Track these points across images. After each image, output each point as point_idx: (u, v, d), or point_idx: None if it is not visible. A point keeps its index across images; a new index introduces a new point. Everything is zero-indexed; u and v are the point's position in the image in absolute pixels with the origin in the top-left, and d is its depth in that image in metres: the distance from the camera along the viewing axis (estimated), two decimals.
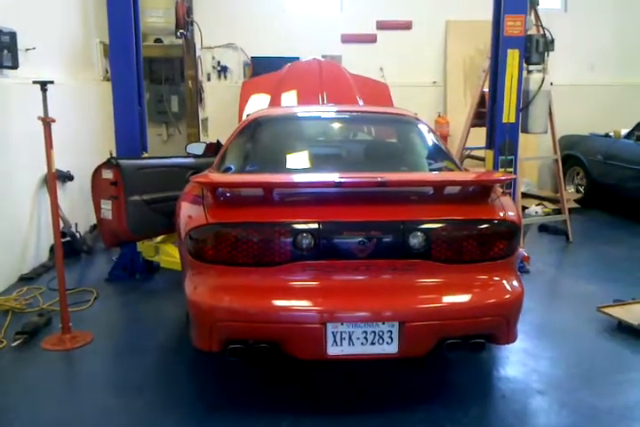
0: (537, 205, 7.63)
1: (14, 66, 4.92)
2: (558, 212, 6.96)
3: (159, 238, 5.01)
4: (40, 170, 4.95)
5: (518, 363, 3.71)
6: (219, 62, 8.68)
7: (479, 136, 6.06)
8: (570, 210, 6.80)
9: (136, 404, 3.22)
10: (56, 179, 4.20)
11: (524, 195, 7.62)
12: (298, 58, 7.87)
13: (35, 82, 3.82)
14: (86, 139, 6.55)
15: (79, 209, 6.06)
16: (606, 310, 4.29)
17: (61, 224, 5.35)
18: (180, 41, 7.97)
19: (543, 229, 6.89)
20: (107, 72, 7.09)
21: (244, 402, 3.26)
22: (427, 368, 3.59)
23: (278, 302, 2.96)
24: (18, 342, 3.84)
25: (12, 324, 4.16)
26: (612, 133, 7.69)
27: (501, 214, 3.16)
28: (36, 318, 4.17)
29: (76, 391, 3.43)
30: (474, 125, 6.60)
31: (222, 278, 3.02)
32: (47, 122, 3.82)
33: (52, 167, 3.91)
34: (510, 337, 3.12)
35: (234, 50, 8.64)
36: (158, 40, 8.33)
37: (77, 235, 5.84)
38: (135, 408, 3.18)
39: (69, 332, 3.98)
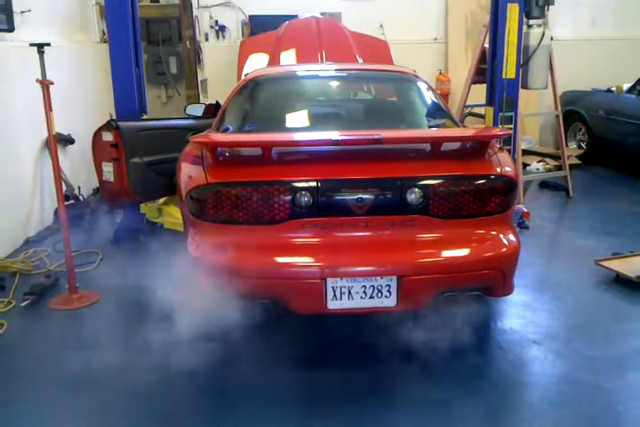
0: (538, 161, 7.64)
1: (10, 29, 4.90)
2: (559, 168, 6.97)
3: (162, 200, 5.05)
4: (41, 134, 4.97)
5: (516, 315, 3.79)
6: (216, 22, 8.57)
7: (481, 93, 6.03)
8: (571, 166, 6.81)
9: (141, 361, 3.31)
10: (57, 142, 4.22)
11: (525, 152, 7.63)
12: (296, 16, 7.76)
13: (31, 44, 3.80)
14: (86, 102, 6.54)
15: (81, 172, 6.10)
16: (604, 263, 4.35)
17: (64, 187, 5.39)
18: (177, 0, 7.86)
19: (544, 185, 6.90)
20: (104, 34, 7.03)
21: (246, 357, 3.34)
22: (424, 321, 3.66)
23: (279, 259, 3.02)
24: (26, 302, 3.95)
25: (19, 285, 4.25)
26: (614, 88, 7.62)
27: (498, 170, 3.18)
28: (43, 279, 4.26)
29: (83, 348, 3.51)
30: (475, 82, 6.54)
31: (223, 237, 3.08)
32: (45, 84, 3.82)
33: (53, 130, 3.92)
34: (507, 290, 3.19)
35: (231, 9, 8.53)
36: (154, 0, 8.22)
37: (81, 198, 5.89)
38: (140, 366, 3.27)
39: (76, 292, 4.07)
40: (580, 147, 8.25)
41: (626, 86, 7.45)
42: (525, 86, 5.88)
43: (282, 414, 2.84)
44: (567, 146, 7.55)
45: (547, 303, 3.98)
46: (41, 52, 3.80)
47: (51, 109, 3.86)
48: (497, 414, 2.87)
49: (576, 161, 7.79)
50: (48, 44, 3.86)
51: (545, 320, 3.74)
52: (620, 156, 7.68)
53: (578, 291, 4.17)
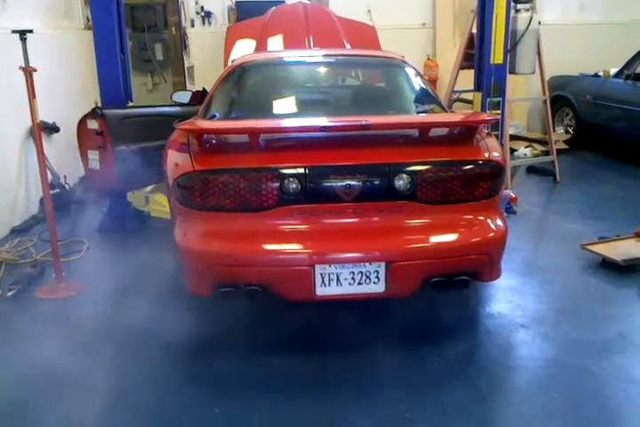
0: (526, 147, 7.66)
1: None
2: (547, 153, 6.99)
3: (149, 188, 5.03)
4: (25, 122, 4.88)
5: (504, 300, 3.81)
6: (202, 8, 8.48)
7: (469, 79, 6.02)
8: (559, 151, 6.83)
9: (129, 348, 3.31)
10: (41, 130, 4.18)
11: (513, 137, 7.65)
12: (283, 1, 7.70)
13: (14, 31, 3.75)
14: (70, 89, 6.47)
15: (67, 161, 6.04)
16: (591, 247, 4.37)
17: (50, 176, 5.34)
18: None
19: (531, 170, 6.92)
20: (88, 20, 6.93)
21: (236, 343, 3.35)
22: (412, 307, 3.68)
23: (267, 246, 3.02)
24: (12, 291, 3.91)
25: (5, 275, 4.22)
26: (601, 73, 7.63)
27: (486, 155, 3.18)
28: (29, 268, 4.24)
29: (69, 337, 3.48)
30: (463, 68, 6.53)
31: (211, 224, 3.07)
32: (28, 72, 3.77)
33: (37, 118, 3.88)
34: (494, 274, 3.20)
35: None
36: None
37: (66, 186, 5.85)
38: (128, 352, 3.27)
39: (63, 281, 4.05)
40: (567, 132, 8.27)
41: (613, 71, 7.46)
42: (513, 71, 5.87)
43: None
44: (554, 131, 7.57)
45: (534, 287, 4.00)
46: (23, 39, 3.74)
47: (34, 97, 3.81)
48: (485, 398, 2.89)
49: (563, 146, 7.81)
50: (31, 31, 3.80)
51: (532, 304, 3.76)
52: (607, 140, 7.70)
53: (565, 275, 4.20)
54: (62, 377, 3.03)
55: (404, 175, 3.03)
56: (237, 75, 4.13)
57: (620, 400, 2.84)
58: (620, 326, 3.49)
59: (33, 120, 3.88)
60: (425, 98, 4.05)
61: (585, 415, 2.74)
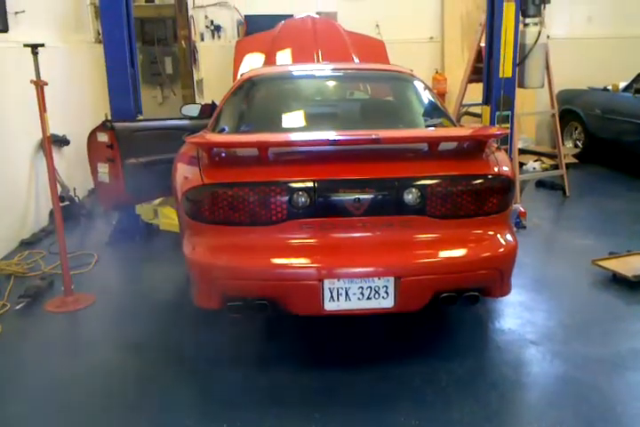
0: (535, 161, 7.64)
1: (4, 29, 4.87)
2: (556, 167, 6.97)
3: (157, 201, 5.03)
4: (36, 135, 4.93)
5: (514, 315, 3.78)
6: (212, 22, 8.55)
7: (477, 93, 6.02)
8: (568, 165, 6.81)
9: (137, 362, 3.30)
10: (52, 143, 4.19)
11: (522, 151, 7.63)
12: (292, 15, 7.75)
13: (25, 45, 3.78)
14: (81, 103, 6.52)
15: (77, 174, 6.07)
16: (601, 262, 4.34)
17: (59, 189, 5.37)
18: (172, 0, 7.83)
19: (540, 184, 6.90)
20: (99, 34, 6.99)
21: (245, 358, 3.34)
22: (422, 322, 3.66)
23: (275, 260, 3.00)
24: (21, 305, 3.91)
25: (14, 288, 4.22)
26: (610, 87, 7.62)
27: (496, 169, 3.17)
28: (38, 281, 4.24)
29: (80, 351, 3.50)
30: (471, 81, 6.54)
31: (220, 238, 3.06)
32: (40, 85, 3.80)
33: (47, 131, 3.90)
34: (504, 290, 3.17)
35: (227, 8, 8.51)
36: (149, 0, 8.20)
37: (76, 199, 5.87)
38: (137, 366, 3.27)
39: (72, 294, 4.04)
40: (575, 146, 8.25)
41: (622, 85, 7.45)
42: (522, 85, 5.86)
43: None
44: (564, 145, 7.55)
45: (544, 303, 3.97)
46: (35, 53, 3.78)
47: (45, 110, 3.84)
48: (496, 415, 2.85)
49: (573, 160, 7.79)
50: (42, 45, 3.84)
51: (542, 320, 3.73)
52: (617, 154, 7.68)
53: (575, 291, 4.16)
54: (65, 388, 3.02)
55: (414, 189, 3.02)
56: (246, 88, 4.15)
57: (633, 418, 2.80)
58: (631, 343, 3.45)
59: (43, 133, 3.90)
60: (434, 112, 4.05)
61: None
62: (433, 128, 3.86)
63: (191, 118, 4.88)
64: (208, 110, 4.79)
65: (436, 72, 8.83)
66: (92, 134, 4.48)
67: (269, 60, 6.53)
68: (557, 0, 5.95)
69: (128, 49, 5.06)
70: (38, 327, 3.73)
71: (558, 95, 7.11)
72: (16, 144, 5.14)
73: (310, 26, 7.03)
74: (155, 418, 2.84)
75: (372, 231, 3.06)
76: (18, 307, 3.90)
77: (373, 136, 3.05)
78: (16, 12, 5.11)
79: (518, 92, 5.71)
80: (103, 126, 4.41)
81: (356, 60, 6.43)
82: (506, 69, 5.41)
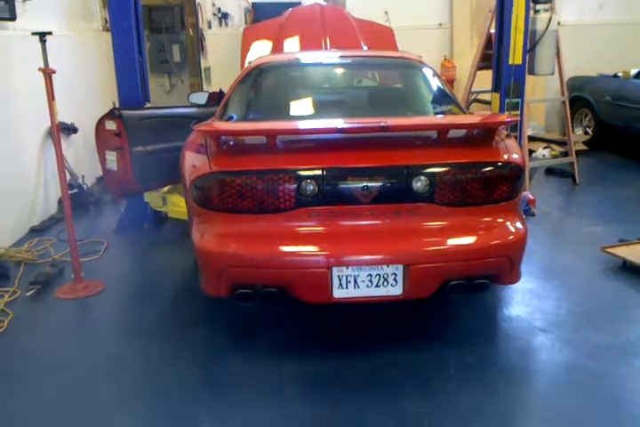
0: (544, 148, 7.58)
1: (12, 17, 4.86)
2: (565, 154, 6.92)
3: (166, 189, 5.04)
4: (44, 123, 4.94)
5: (523, 303, 3.77)
6: (219, 9, 8.52)
7: (486, 80, 5.97)
8: (577, 152, 6.76)
9: (148, 349, 3.32)
10: (60, 131, 4.20)
11: (532, 138, 7.58)
12: (300, 3, 7.71)
13: (33, 33, 3.78)
14: (89, 90, 6.51)
15: (85, 161, 6.09)
16: (611, 250, 4.32)
17: (68, 176, 5.38)
18: None
19: (550, 172, 6.86)
20: (106, 22, 6.98)
21: (253, 344, 3.36)
22: (432, 309, 3.66)
23: (284, 248, 3.01)
24: (31, 291, 3.94)
25: (24, 275, 4.25)
26: (620, 74, 7.55)
27: (505, 157, 3.15)
28: (47, 268, 4.26)
29: (90, 337, 3.53)
30: (480, 68, 6.48)
31: (229, 226, 3.06)
32: (48, 73, 3.80)
33: (56, 119, 3.91)
34: (514, 278, 3.17)
35: None
36: None
37: (84, 187, 5.89)
38: (147, 353, 3.28)
39: (81, 281, 4.07)
40: (585, 133, 8.19)
41: (633, 71, 7.37)
42: (532, 72, 5.82)
43: None
44: (573, 132, 7.50)
45: (553, 291, 3.96)
46: (43, 41, 3.78)
47: (53, 98, 3.84)
48: (504, 403, 2.86)
49: (582, 147, 7.74)
50: (50, 33, 3.84)
51: (551, 308, 3.72)
52: (627, 141, 7.62)
53: (584, 278, 4.15)
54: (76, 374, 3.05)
55: (423, 177, 3.01)
56: (254, 76, 4.13)
57: None
58: None
59: (52, 121, 3.90)
60: (443, 99, 4.02)
61: (605, 421, 2.70)
62: (442, 115, 3.84)
63: (199, 106, 4.87)
64: (216, 98, 4.79)
65: (445, 59, 8.78)
66: (100, 122, 4.48)
67: (277, 48, 6.50)
68: None
69: (136, 37, 5.04)
70: (48, 314, 3.76)
71: (568, 82, 7.05)
72: (25, 132, 5.15)
73: (318, 13, 6.99)
74: (160, 405, 2.86)
75: (381, 219, 3.05)
76: (28, 294, 3.93)
77: (382, 124, 3.03)
78: (24, 0, 5.10)
79: (528, 79, 5.66)
80: (111, 114, 4.40)
81: (365, 48, 6.40)
82: (516, 56, 5.35)
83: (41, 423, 2.76)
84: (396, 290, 2.99)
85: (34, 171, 5.31)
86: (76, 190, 5.67)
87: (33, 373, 3.12)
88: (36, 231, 5.14)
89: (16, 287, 4.05)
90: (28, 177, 5.22)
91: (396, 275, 2.96)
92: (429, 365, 3.11)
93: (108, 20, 6.31)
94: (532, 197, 5.41)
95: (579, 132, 8.18)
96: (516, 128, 5.36)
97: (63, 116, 4.73)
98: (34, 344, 3.42)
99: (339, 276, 2.95)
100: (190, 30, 7.95)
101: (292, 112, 3.88)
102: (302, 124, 3.38)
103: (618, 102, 7.40)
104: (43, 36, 3.77)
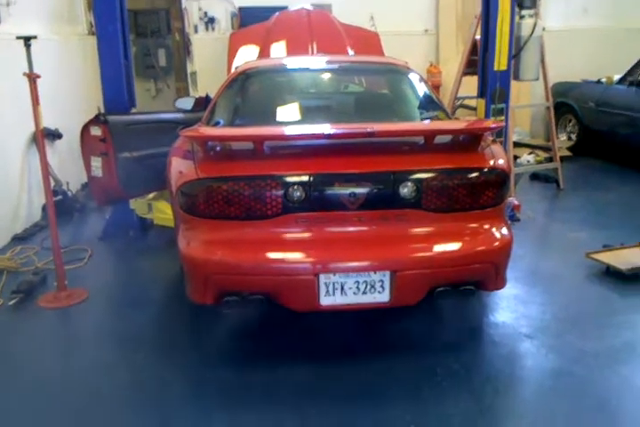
0: (529, 153, 7.63)
1: None
2: (550, 160, 6.96)
3: (151, 195, 5.01)
4: (28, 128, 4.89)
5: (508, 309, 3.78)
6: (205, 13, 8.49)
7: (472, 85, 6.00)
8: (562, 158, 6.80)
9: (133, 357, 3.29)
10: (44, 137, 4.16)
11: (516, 144, 7.61)
12: (286, 7, 7.71)
13: (18, 37, 3.75)
14: (74, 96, 6.46)
15: (69, 168, 6.03)
16: (595, 255, 4.34)
17: (52, 183, 5.33)
18: None
19: (535, 177, 6.90)
20: (91, 26, 6.94)
21: (241, 352, 3.34)
22: (417, 316, 3.66)
23: (271, 255, 2.99)
24: (14, 300, 3.88)
25: (7, 283, 4.19)
26: (604, 80, 7.61)
27: (491, 163, 3.16)
28: (30, 276, 4.21)
29: (74, 346, 3.49)
30: (466, 74, 6.52)
31: (215, 232, 3.04)
32: (32, 78, 3.76)
33: (40, 124, 3.87)
34: (499, 283, 3.17)
35: (221, 0, 8.44)
36: None
37: (69, 193, 5.83)
38: (132, 362, 3.25)
39: (65, 289, 4.02)
40: (569, 138, 8.24)
41: (616, 77, 7.44)
42: (517, 78, 5.85)
43: None
44: (558, 137, 7.55)
45: (538, 296, 3.98)
46: (28, 45, 3.74)
47: (38, 103, 3.81)
48: (490, 409, 2.86)
49: (567, 153, 7.79)
50: (35, 37, 3.80)
51: (537, 313, 3.73)
52: (610, 147, 7.68)
53: (569, 284, 4.17)
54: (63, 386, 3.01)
55: (409, 183, 3.01)
56: (241, 81, 4.11)
57: (627, 412, 2.81)
58: (626, 336, 3.46)
59: (36, 126, 3.86)
60: (429, 104, 4.03)
61: None
62: (428, 121, 3.84)
63: (185, 111, 4.85)
64: (202, 103, 4.77)
65: (431, 65, 8.81)
66: (85, 128, 4.44)
67: (264, 53, 6.50)
68: None
69: (121, 41, 5.01)
70: (31, 323, 3.71)
71: (552, 88, 7.09)
72: (8, 138, 5.10)
73: (305, 18, 7.00)
74: (147, 414, 2.83)
75: (368, 225, 3.05)
76: (11, 302, 3.87)
77: (368, 129, 3.03)
78: (8, 4, 5.06)
79: (513, 84, 5.69)
80: (96, 120, 4.37)
81: (351, 53, 6.41)
82: (501, 62, 5.38)
83: None
84: (383, 297, 2.99)
85: (17, 177, 5.25)
86: (60, 197, 5.61)
87: (15, 382, 3.08)
88: (19, 239, 5.06)
89: None
90: (11, 183, 5.16)
91: (383, 282, 2.96)
92: (416, 372, 3.10)
93: (93, 23, 6.27)
94: (517, 203, 5.44)
95: (563, 137, 8.24)
96: (501, 134, 5.39)
97: (47, 122, 4.70)
98: (15, 354, 3.38)
99: (326, 283, 2.94)
100: (176, 34, 7.94)
101: (279, 118, 3.87)
102: (289, 130, 3.37)
103: (601, 108, 7.47)
104: (27, 40, 3.74)
